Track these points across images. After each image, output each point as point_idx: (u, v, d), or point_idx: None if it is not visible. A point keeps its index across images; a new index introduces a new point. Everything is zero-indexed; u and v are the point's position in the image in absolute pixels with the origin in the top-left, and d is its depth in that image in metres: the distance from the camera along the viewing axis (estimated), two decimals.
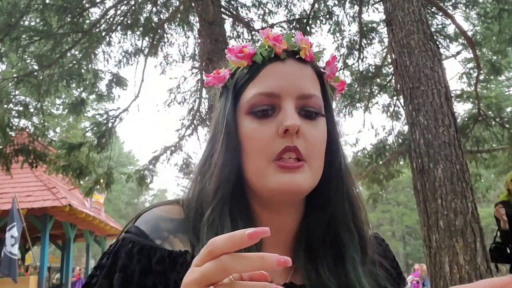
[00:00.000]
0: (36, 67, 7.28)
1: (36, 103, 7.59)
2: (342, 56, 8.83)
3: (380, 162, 8.94)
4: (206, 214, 0.65)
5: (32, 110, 7.56)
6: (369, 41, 8.66)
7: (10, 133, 6.90)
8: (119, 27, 7.66)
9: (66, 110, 8.99)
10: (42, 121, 7.77)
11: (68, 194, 9.58)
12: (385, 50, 8.55)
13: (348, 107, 9.39)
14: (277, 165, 0.64)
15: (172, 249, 0.63)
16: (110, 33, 7.66)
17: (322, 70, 0.75)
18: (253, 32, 8.01)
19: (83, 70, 7.59)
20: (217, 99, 0.77)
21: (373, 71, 8.97)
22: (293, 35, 0.73)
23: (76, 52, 7.72)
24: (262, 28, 7.40)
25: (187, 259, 0.62)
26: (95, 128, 7.36)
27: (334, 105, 0.79)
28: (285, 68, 0.69)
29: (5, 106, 7.24)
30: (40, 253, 9.75)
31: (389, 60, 8.28)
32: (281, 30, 7.97)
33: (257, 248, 0.66)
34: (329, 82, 0.76)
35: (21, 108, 7.62)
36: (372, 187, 9.88)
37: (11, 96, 7.47)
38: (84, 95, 8.02)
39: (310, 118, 0.69)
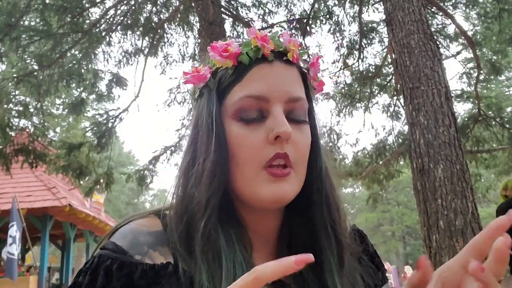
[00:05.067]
0: (36, 67, 7.28)
1: (36, 103, 7.59)
2: (342, 56, 8.84)
3: (380, 162, 8.95)
4: (201, 228, 0.63)
5: (32, 110, 7.57)
6: (369, 41, 8.67)
7: (10, 133, 6.90)
8: (119, 27, 7.66)
9: (66, 110, 9.02)
10: (42, 121, 7.77)
11: (68, 194, 9.57)
12: (385, 50, 8.56)
13: (348, 107, 9.40)
14: (268, 172, 0.63)
15: (153, 263, 0.61)
16: (110, 33, 7.66)
17: (306, 71, 0.72)
18: None
19: (83, 70, 7.59)
20: (195, 98, 0.74)
21: (373, 71, 8.98)
22: (279, 35, 0.70)
23: (76, 52, 7.72)
24: (263, 28, 7.39)
25: (169, 270, 0.60)
26: (95, 128, 7.36)
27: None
28: (272, 70, 0.67)
29: (5, 106, 7.23)
30: (40, 253, 9.73)
31: (389, 60, 8.28)
32: (281, 30, 7.98)
33: (248, 251, 0.67)
34: (312, 83, 0.74)
35: (21, 108, 7.62)
36: (372, 187, 9.88)
37: (11, 96, 7.47)
38: (84, 95, 8.03)
39: (298, 122, 0.67)
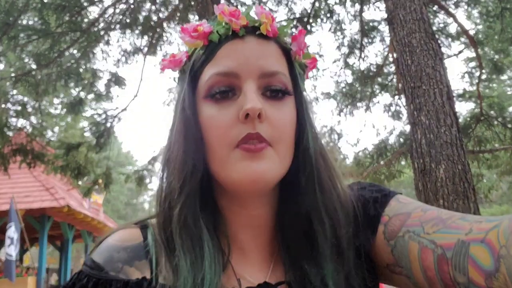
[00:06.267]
0: (34, 66, 7.27)
1: (34, 102, 7.58)
2: (343, 55, 8.82)
3: (382, 162, 8.92)
4: (175, 213, 0.61)
5: (30, 109, 7.57)
6: (370, 40, 8.64)
7: (8, 133, 6.90)
8: (117, 26, 7.63)
9: (64, 110, 8.99)
10: (40, 121, 7.79)
11: (67, 195, 9.56)
12: (386, 49, 8.52)
13: (349, 106, 9.38)
14: (241, 148, 0.59)
15: (127, 279, 0.59)
16: (109, 32, 7.63)
17: (288, 46, 0.68)
18: None
19: (81, 69, 7.57)
20: (176, 85, 0.71)
21: (375, 70, 8.94)
22: (252, 9, 0.66)
23: (75, 51, 7.70)
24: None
25: (143, 286, 0.58)
26: (93, 128, 7.34)
27: (306, 84, 0.72)
28: (244, 46, 0.63)
29: (3, 105, 7.23)
30: (39, 254, 9.73)
31: (391, 59, 8.25)
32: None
33: (241, 245, 0.65)
34: (298, 59, 0.69)
35: (19, 108, 7.62)
36: None
37: (9, 96, 7.47)
38: (82, 94, 8.01)
39: (276, 98, 0.63)
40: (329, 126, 9.43)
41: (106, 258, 0.62)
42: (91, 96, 8.33)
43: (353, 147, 9.91)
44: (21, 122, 7.58)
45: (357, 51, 8.62)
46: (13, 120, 7.47)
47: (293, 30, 0.68)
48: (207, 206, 0.63)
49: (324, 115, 13.30)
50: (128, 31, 7.74)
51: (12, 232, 7.74)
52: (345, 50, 8.75)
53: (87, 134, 7.51)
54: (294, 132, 0.64)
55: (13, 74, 7.42)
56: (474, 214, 3.79)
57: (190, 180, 0.61)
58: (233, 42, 0.63)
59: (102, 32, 7.46)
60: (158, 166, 0.69)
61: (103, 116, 7.37)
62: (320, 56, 8.59)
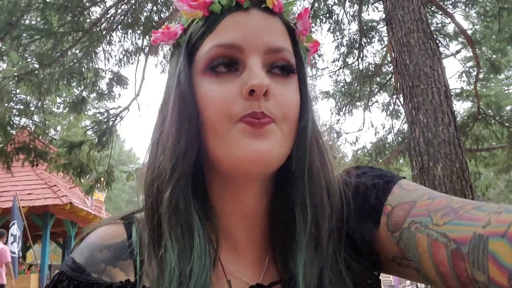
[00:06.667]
0: (36, 66, 7.29)
1: (37, 101, 7.60)
2: (342, 55, 8.85)
3: (380, 161, 8.96)
4: (165, 197, 0.55)
5: (33, 108, 7.59)
6: (369, 40, 8.67)
7: (11, 131, 6.92)
8: (119, 26, 7.67)
9: (67, 109, 9.04)
10: (43, 120, 7.80)
11: (69, 192, 9.61)
12: (385, 49, 8.57)
13: (348, 105, 9.42)
14: (244, 122, 0.54)
15: (111, 281, 0.55)
16: (111, 32, 7.67)
17: (292, 24, 0.64)
18: None
19: (83, 69, 7.59)
20: (169, 61, 0.65)
21: (373, 69, 8.99)
22: None
23: (77, 51, 7.73)
24: None
25: None
26: (95, 127, 7.38)
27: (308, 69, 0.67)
28: (248, 19, 0.58)
29: (6, 104, 7.26)
30: (41, 251, 9.78)
31: (389, 59, 8.29)
32: None
33: (233, 240, 0.61)
34: (302, 40, 0.65)
35: (22, 107, 7.65)
36: None
37: (12, 95, 7.49)
38: (84, 93, 8.03)
39: (281, 76, 0.58)
40: (328, 125, 9.48)
41: (87, 258, 0.57)
42: (93, 95, 8.36)
43: (352, 145, 9.89)
44: (24, 121, 7.62)
45: (356, 51, 8.66)
46: (16, 119, 7.53)
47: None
48: (197, 192, 0.58)
49: (323, 114, 13.30)
50: (129, 31, 7.78)
51: (15, 229, 7.78)
52: (344, 50, 8.80)
53: (89, 132, 7.55)
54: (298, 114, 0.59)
55: (16, 74, 7.46)
56: None
57: (183, 161, 0.55)
58: (236, 14, 0.58)
59: (104, 32, 7.50)
60: (146, 146, 0.62)
61: (105, 115, 7.41)
62: (320, 56, 8.63)
